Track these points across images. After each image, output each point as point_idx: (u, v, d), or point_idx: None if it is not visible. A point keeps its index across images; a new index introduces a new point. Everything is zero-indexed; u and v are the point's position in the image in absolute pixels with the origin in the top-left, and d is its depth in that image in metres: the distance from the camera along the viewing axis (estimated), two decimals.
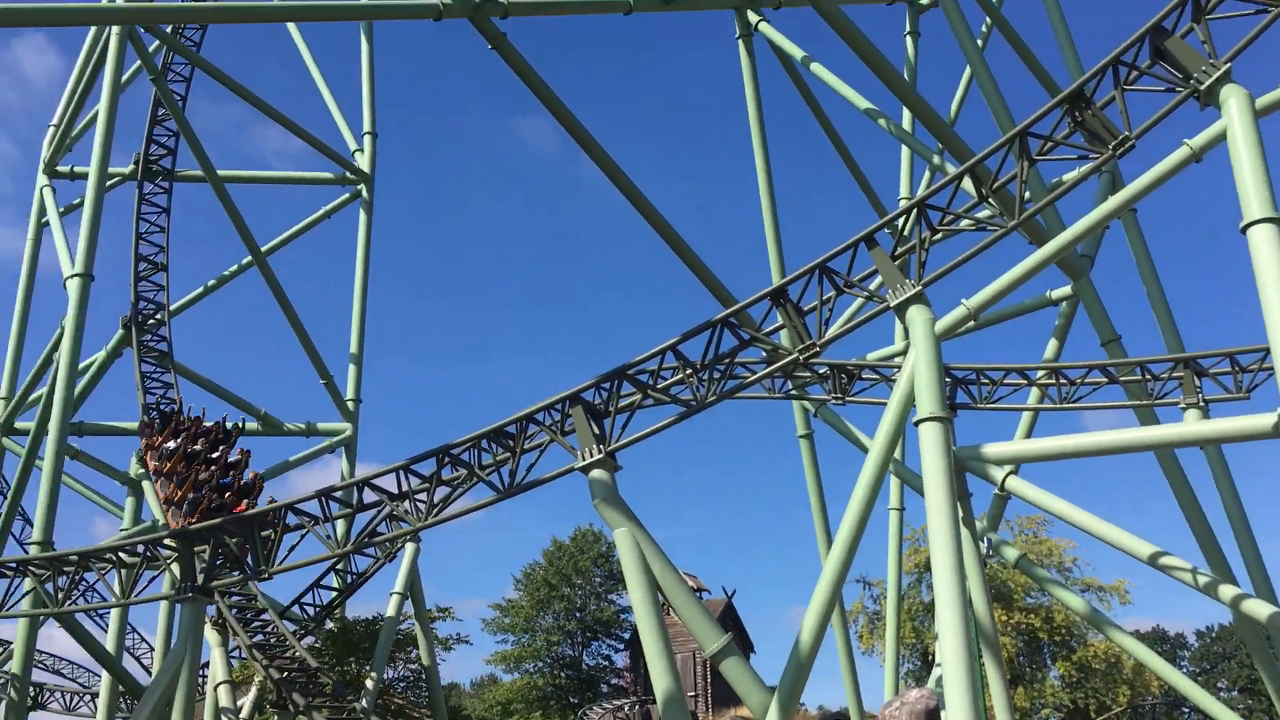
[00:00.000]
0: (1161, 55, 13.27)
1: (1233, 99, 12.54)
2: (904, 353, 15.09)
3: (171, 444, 21.21)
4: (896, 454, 21.94)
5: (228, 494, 19.79)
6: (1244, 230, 11.95)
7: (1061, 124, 13.86)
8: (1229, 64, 12.84)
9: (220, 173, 26.09)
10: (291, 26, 30.28)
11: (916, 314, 13.89)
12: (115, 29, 22.01)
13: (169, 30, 25.29)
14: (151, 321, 26.41)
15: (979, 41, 24.34)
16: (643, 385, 15.68)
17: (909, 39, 27.61)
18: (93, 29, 24.03)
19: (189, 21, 27.33)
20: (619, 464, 15.08)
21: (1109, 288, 21.38)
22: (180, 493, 19.99)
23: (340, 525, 18.38)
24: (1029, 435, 21.34)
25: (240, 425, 22.56)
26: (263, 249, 27.28)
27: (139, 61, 24.13)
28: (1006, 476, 16.34)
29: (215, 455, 20.67)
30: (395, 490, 16.07)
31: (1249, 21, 13.12)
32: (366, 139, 29.85)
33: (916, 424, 13.43)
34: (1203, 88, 12.82)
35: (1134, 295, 21.50)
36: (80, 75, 25.07)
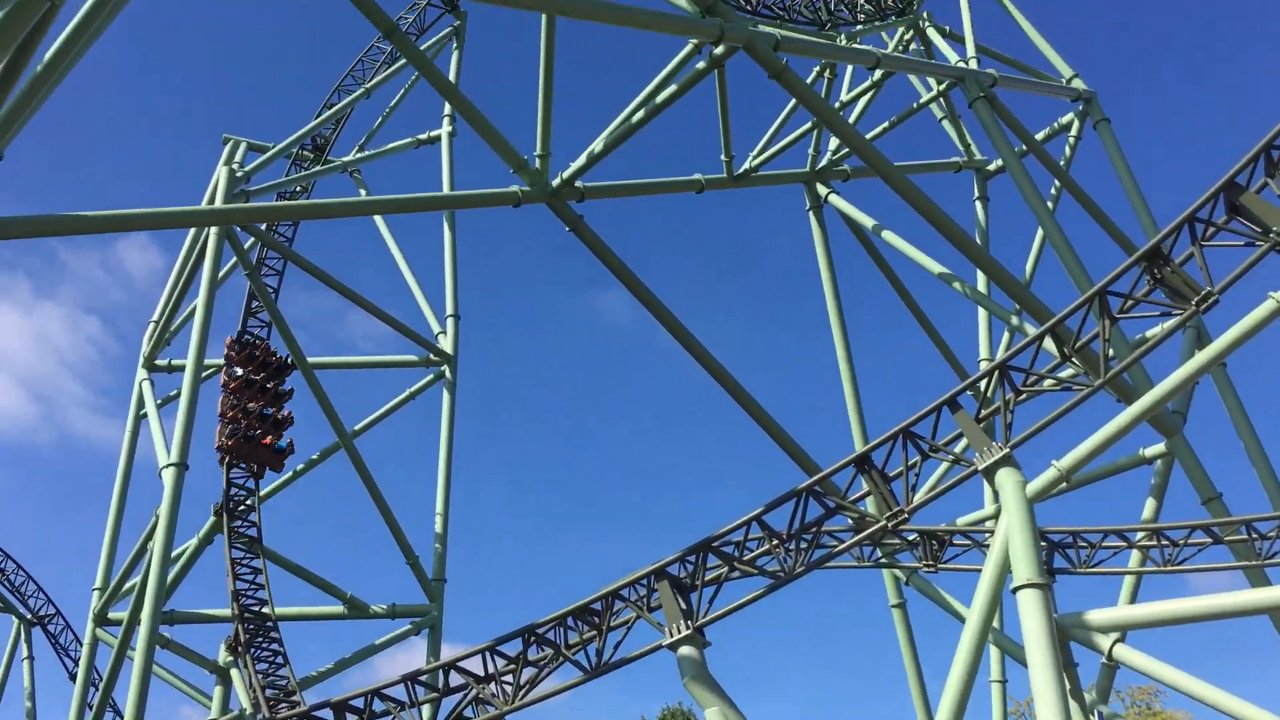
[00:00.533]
0: (1238, 210, 13.26)
1: None
2: (995, 517, 14.74)
3: (240, 370, 26.36)
4: (995, 623, 21.15)
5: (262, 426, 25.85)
6: None
7: (1141, 281, 13.81)
8: None
9: (310, 360, 26.95)
10: (378, 218, 31.72)
11: (1006, 477, 13.61)
12: (214, 229, 23.24)
13: (264, 228, 26.62)
14: (242, 508, 26.90)
15: (1049, 203, 24.53)
16: (729, 558, 15.44)
17: (978, 204, 27.94)
18: (192, 230, 25.41)
19: (282, 219, 28.83)
20: (708, 640, 14.71)
21: (1205, 443, 20.80)
22: (232, 413, 25.91)
23: (426, 710, 18.09)
24: (1133, 600, 20.49)
25: (289, 361, 26.72)
26: (349, 432, 27.89)
27: (235, 258, 25.33)
28: (1114, 644, 15.56)
29: (270, 385, 26.37)
30: (481, 672, 15.82)
31: None
32: (449, 321, 30.69)
33: (1014, 591, 12.98)
34: None
35: (1233, 450, 20.88)
36: (180, 273, 26.37)
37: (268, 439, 26.01)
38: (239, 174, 24.62)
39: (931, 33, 26.68)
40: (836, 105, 24.89)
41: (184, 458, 21.50)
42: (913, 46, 26.93)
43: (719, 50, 17.81)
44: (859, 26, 25.77)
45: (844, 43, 24.64)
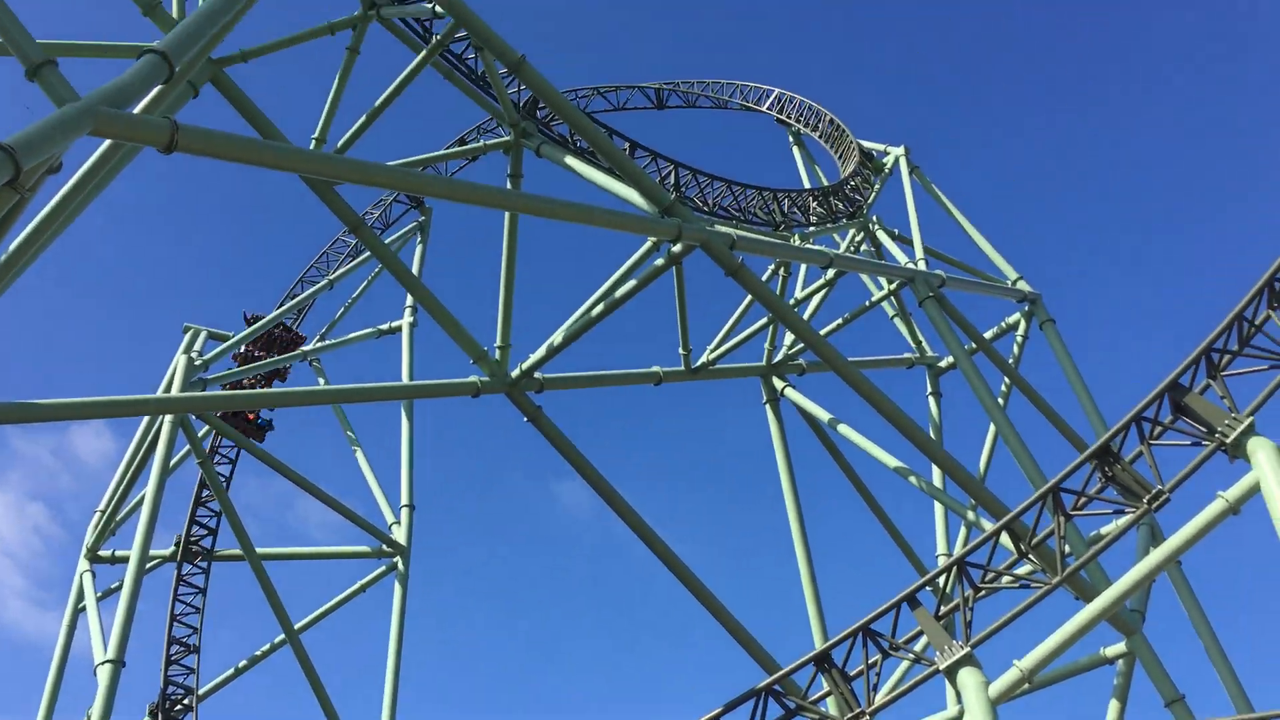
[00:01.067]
0: (1183, 410, 13.58)
1: (1261, 452, 12.67)
2: (959, 718, 14.41)
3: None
4: None
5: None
6: None
7: (1093, 478, 13.98)
8: (1251, 418, 13.08)
9: (259, 550, 26.35)
10: (335, 409, 31.67)
11: (968, 677, 13.38)
12: (168, 417, 23.06)
13: (219, 416, 26.48)
14: (179, 708, 25.78)
15: (1000, 400, 25.01)
16: None
17: (931, 399, 28.41)
18: (145, 417, 25.20)
19: (238, 408, 28.69)
20: None
21: (1167, 642, 20.59)
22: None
23: None
24: None
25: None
26: (296, 626, 27.05)
27: (188, 446, 25.05)
28: None
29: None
30: None
31: (1269, 375, 13.51)
32: (404, 511, 30.29)
33: None
34: (1229, 441, 13.01)
35: (1195, 648, 20.70)
36: (130, 461, 25.97)
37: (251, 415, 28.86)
38: (197, 362, 24.62)
39: (881, 235, 27.74)
40: (791, 302, 25.54)
41: (121, 654, 20.65)
42: (864, 247, 27.92)
43: (677, 248, 18.33)
44: (812, 228, 26.75)
45: (798, 243, 25.49)
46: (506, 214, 20.01)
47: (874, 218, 28.29)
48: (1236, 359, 13.74)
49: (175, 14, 17.19)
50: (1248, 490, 12.70)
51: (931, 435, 26.14)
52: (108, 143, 13.18)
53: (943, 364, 28.46)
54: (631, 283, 19.29)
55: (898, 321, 28.72)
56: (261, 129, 17.50)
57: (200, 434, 24.98)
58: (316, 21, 20.18)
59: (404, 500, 30.52)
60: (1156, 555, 13.74)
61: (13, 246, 12.21)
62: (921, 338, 28.72)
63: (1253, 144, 64.92)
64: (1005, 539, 14.64)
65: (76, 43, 16.77)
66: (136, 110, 11.06)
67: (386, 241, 30.56)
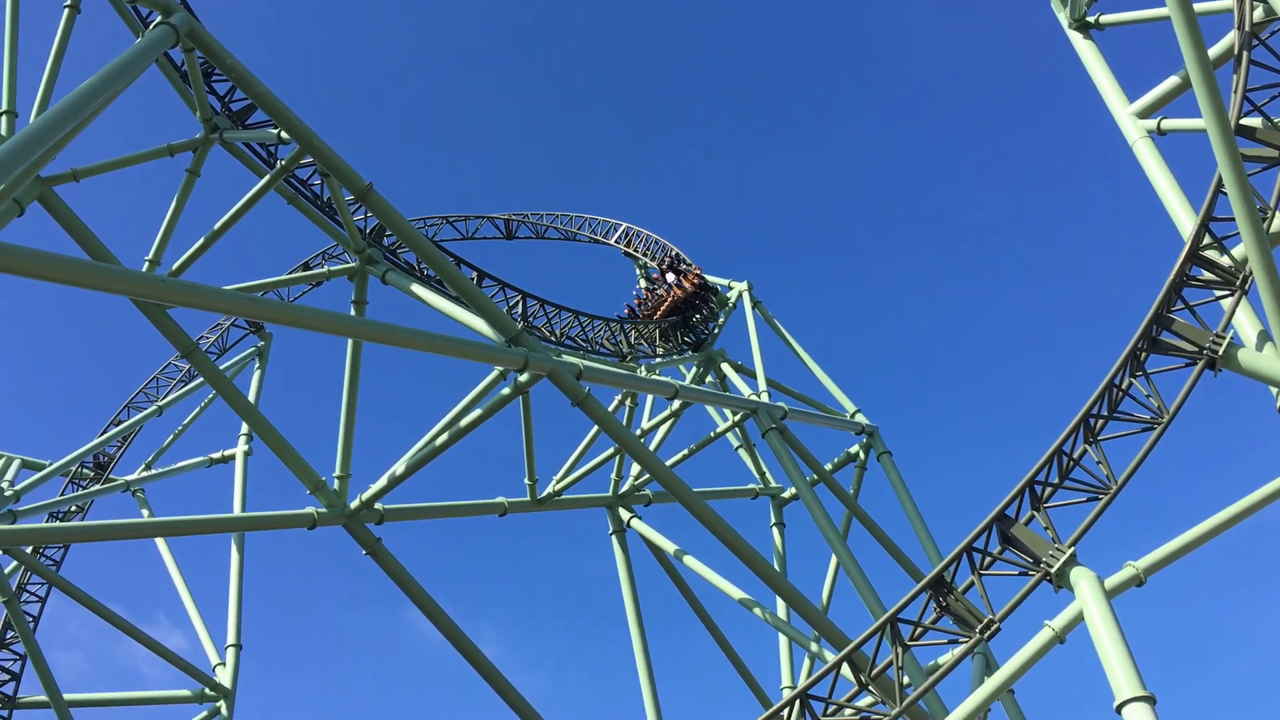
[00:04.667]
0: (1010, 541, 14.05)
1: (1083, 581, 13.15)
2: None
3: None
4: None
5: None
6: (1118, 709, 12.06)
7: (929, 608, 14.25)
8: (1073, 548, 13.61)
9: (67, 697, 24.46)
10: (159, 542, 30.06)
11: None
12: None
13: (29, 551, 24.78)
14: None
15: (840, 530, 25.47)
16: None
17: (775, 530, 28.75)
18: None
19: (50, 542, 26.94)
20: None
21: None
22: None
23: None
24: None
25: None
26: None
27: None
28: None
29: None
30: None
31: (1087, 507, 14.13)
32: (230, 651, 28.72)
33: None
34: (1053, 571, 13.48)
35: None
36: None
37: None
38: (8, 493, 23.11)
39: (726, 367, 28.34)
40: (638, 432, 25.67)
41: None
42: (709, 379, 28.44)
43: (524, 377, 18.29)
44: (658, 360, 27.14)
45: (644, 374, 25.79)
46: (350, 341, 19.68)
47: (719, 350, 28.92)
48: (1058, 490, 14.35)
49: (3, 130, 16.63)
50: (1073, 618, 13.13)
51: (775, 566, 26.38)
52: None
53: (786, 494, 28.91)
54: (477, 411, 19.09)
55: (742, 453, 29.16)
56: (91, 249, 16.89)
57: (8, 570, 23.28)
58: (156, 142, 19.81)
59: (230, 639, 28.95)
60: (990, 684, 13.98)
61: None
62: (765, 468, 29.19)
63: (1063, 285, 69.42)
64: (846, 670, 14.72)
65: None
66: None
67: (223, 367, 29.64)
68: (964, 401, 70.31)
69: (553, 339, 25.52)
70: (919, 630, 14.16)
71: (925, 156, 72.43)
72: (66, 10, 17.86)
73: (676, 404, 25.29)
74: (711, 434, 27.33)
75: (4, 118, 17.11)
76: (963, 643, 13.94)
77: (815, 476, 25.69)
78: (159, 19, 15.12)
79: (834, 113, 75.85)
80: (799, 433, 24.82)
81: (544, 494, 23.34)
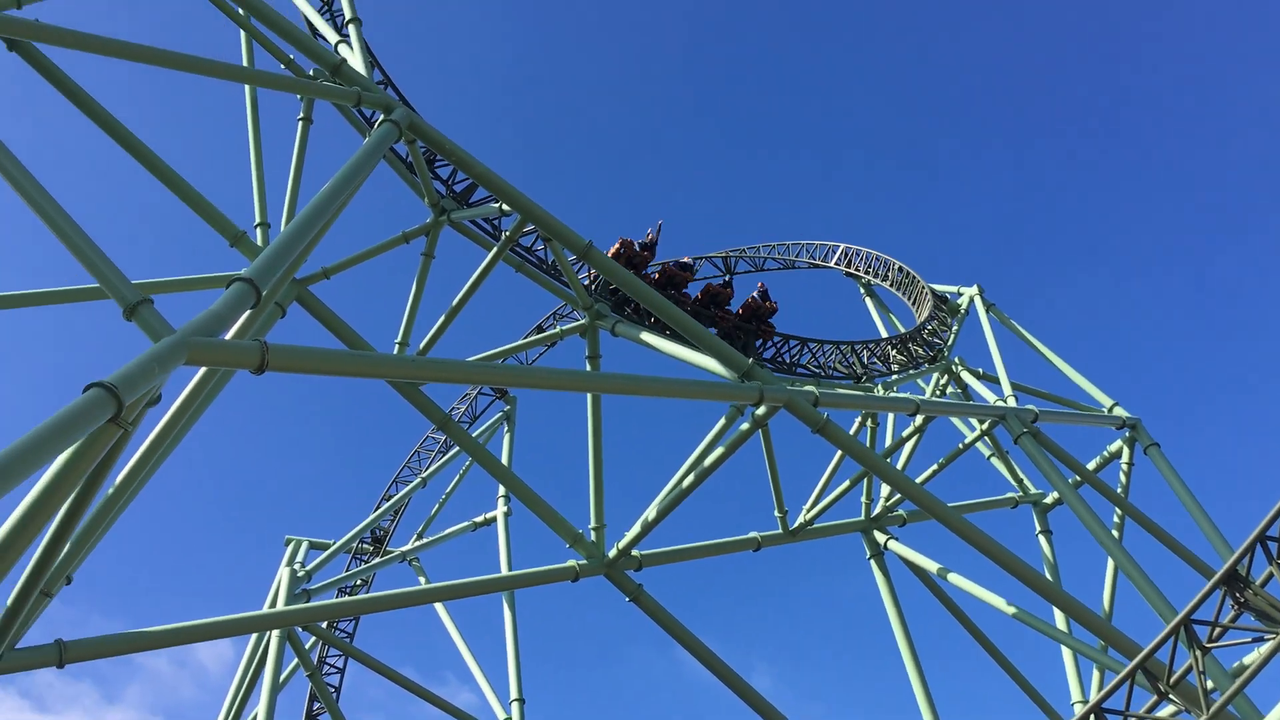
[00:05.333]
0: None
1: None
2: None
3: None
4: None
5: None
6: None
7: (1226, 605, 13.25)
8: None
9: None
10: (438, 606, 31.59)
11: None
12: (275, 632, 23.20)
13: (325, 626, 26.59)
14: None
15: (1114, 532, 24.08)
16: None
17: (1042, 538, 27.44)
18: (253, 635, 25.39)
19: (343, 616, 28.80)
20: None
21: None
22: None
23: None
24: None
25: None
26: None
27: (296, 659, 25.10)
28: None
29: None
30: None
31: None
32: (514, 706, 29.76)
33: None
34: None
35: None
36: (243, 677, 26.05)
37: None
38: (300, 573, 24.92)
39: (966, 376, 27.40)
40: (882, 453, 25.16)
41: None
42: (950, 390, 27.58)
43: (761, 411, 18.29)
44: (894, 376, 26.56)
45: (882, 393, 25.30)
46: (589, 395, 20.27)
47: (956, 359, 28.03)
48: None
49: (260, 242, 18.15)
50: None
51: (1048, 576, 25.16)
52: (203, 370, 13.76)
53: (1048, 500, 27.58)
54: (719, 450, 19.21)
55: (995, 461, 28.07)
56: (347, 339, 18.15)
57: (308, 645, 25.05)
58: (390, 230, 21.17)
59: (513, 694, 30.03)
60: None
61: (119, 479, 12.66)
62: (1022, 475, 27.97)
63: None
64: (1142, 679, 13.86)
65: (169, 279, 17.73)
66: (228, 336, 11.56)
67: (475, 434, 31.06)
68: (1231, 384, 65.33)
69: (785, 368, 25.43)
70: (1218, 630, 13.17)
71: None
72: (300, 123, 19.42)
73: (919, 419, 24.67)
74: (960, 445, 26.46)
75: (259, 230, 18.71)
76: (1270, 639, 12.88)
77: (1078, 478, 24.40)
78: (382, 118, 16.19)
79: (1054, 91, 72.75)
80: (1054, 434, 23.65)
81: (796, 524, 23.19)
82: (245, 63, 20.15)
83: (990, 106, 73.27)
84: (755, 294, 27.60)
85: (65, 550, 9.79)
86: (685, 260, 28.16)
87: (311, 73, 19.10)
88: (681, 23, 74.15)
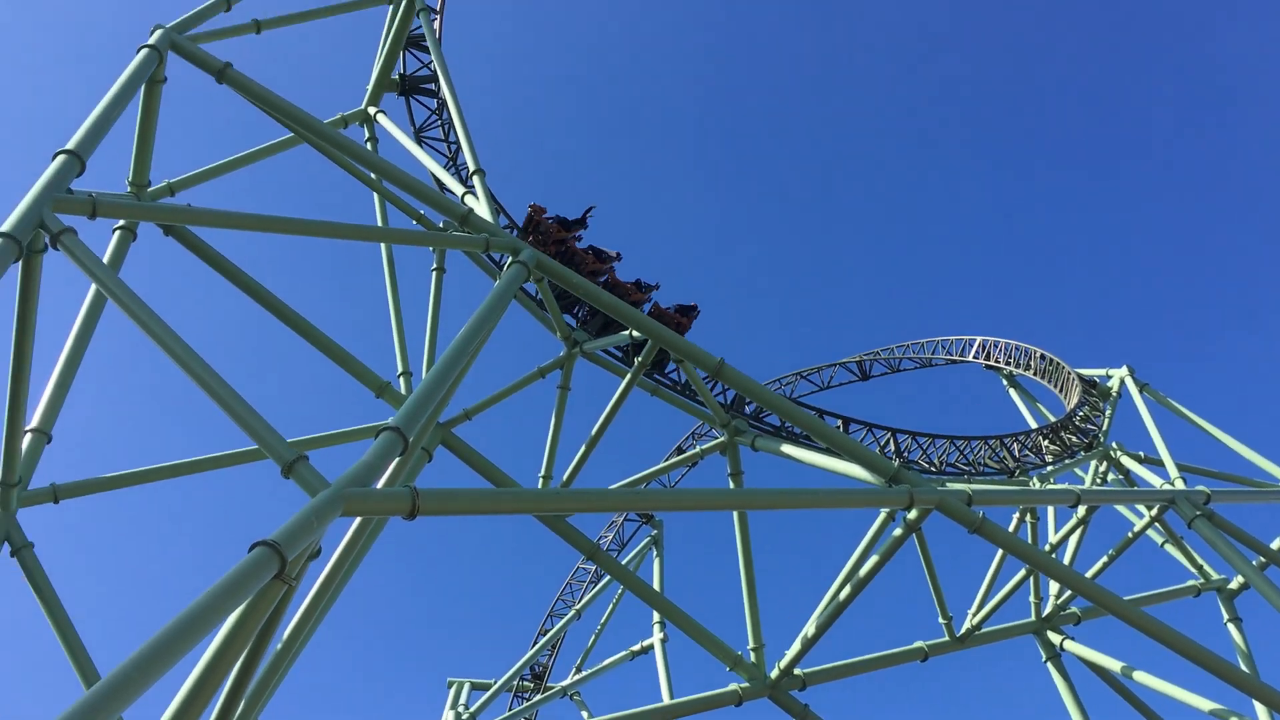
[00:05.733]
0: None
1: None
2: None
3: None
4: None
5: None
6: None
7: None
8: None
9: None
10: None
11: None
12: None
13: None
14: None
15: None
16: None
17: (1231, 626, 25.69)
18: None
19: None
20: None
21: None
22: None
23: None
24: None
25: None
26: None
27: None
28: None
29: None
30: None
31: None
32: None
33: None
34: None
35: None
36: None
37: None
38: (464, 715, 24.98)
39: (1126, 460, 26.27)
40: (1046, 548, 24.12)
41: None
42: (1111, 477, 26.44)
43: (912, 515, 17.79)
44: (1049, 467, 25.64)
45: (1037, 485, 24.40)
46: (736, 513, 20.07)
47: (1113, 444, 26.93)
48: None
49: (403, 390, 18.77)
50: None
51: (1243, 667, 23.50)
52: (358, 520, 14.15)
53: (1233, 585, 25.91)
54: (874, 558, 18.67)
55: (1170, 548, 26.59)
56: (492, 477, 18.46)
57: None
58: (525, 365, 21.70)
59: None
60: None
61: (285, 634, 12.99)
62: (1201, 561, 26.41)
63: None
64: None
65: (321, 435, 18.43)
66: (379, 485, 11.90)
67: (624, 561, 30.99)
68: None
69: (933, 469, 24.81)
70: None
71: None
72: (434, 273, 20.24)
73: (1082, 510, 23.65)
74: (1129, 534, 25.19)
75: (402, 379, 19.36)
76: None
77: (1262, 559, 22.92)
78: (510, 259, 16.74)
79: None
80: (1231, 514, 22.36)
81: (963, 630, 22.25)
82: (379, 223, 21.18)
83: (1103, 171, 71.74)
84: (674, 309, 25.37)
85: (239, 710, 10.02)
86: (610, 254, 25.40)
87: (442, 224, 19.96)
88: (793, 126, 75.18)
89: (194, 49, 14.62)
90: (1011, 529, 24.59)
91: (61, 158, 11.47)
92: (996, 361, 32.70)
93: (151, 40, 14.22)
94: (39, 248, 10.89)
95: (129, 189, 14.80)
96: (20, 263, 10.53)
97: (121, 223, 14.69)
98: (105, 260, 14.37)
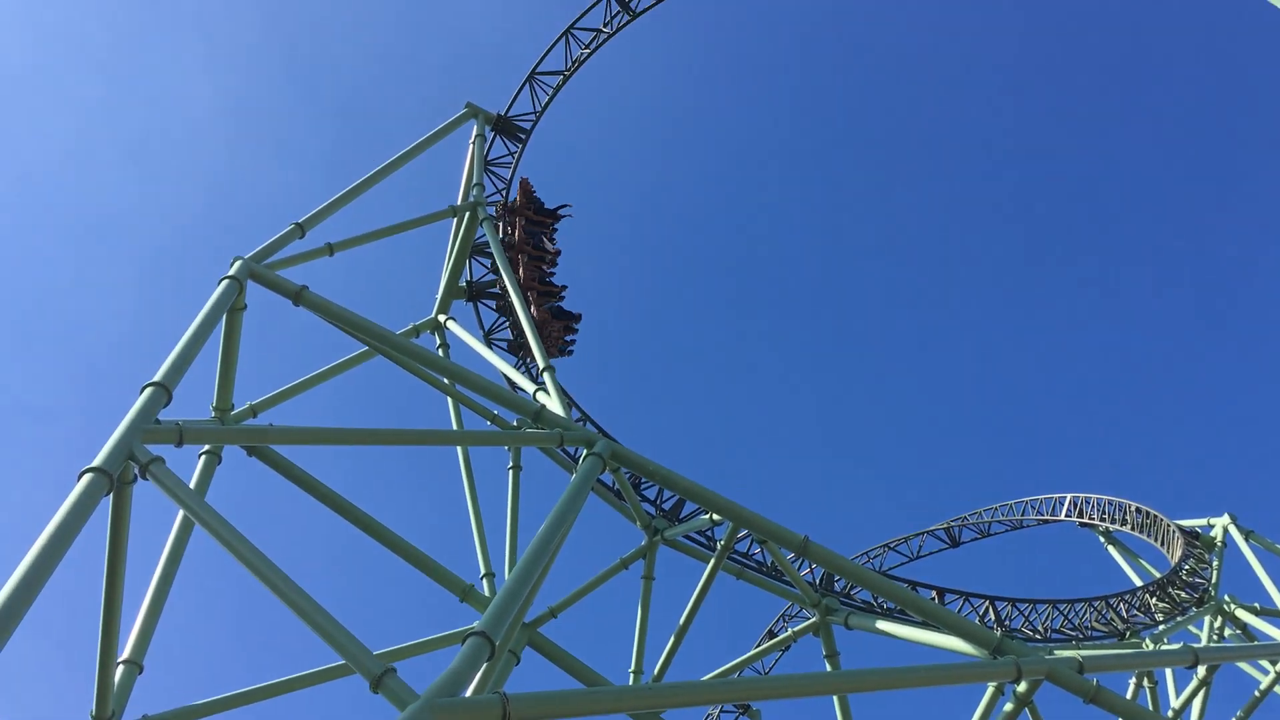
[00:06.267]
0: None
1: None
2: None
3: None
4: None
5: None
6: None
7: None
8: None
9: None
10: None
11: None
12: None
13: None
14: None
15: None
16: None
17: None
18: None
19: None
20: None
21: None
22: None
23: None
24: None
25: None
26: None
27: None
28: None
29: None
30: None
31: None
32: None
33: None
34: None
35: None
36: None
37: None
38: None
39: (1243, 613, 24.99)
40: (1170, 714, 22.75)
41: None
42: (1228, 632, 25.10)
43: (1022, 687, 16.88)
44: (1160, 627, 24.45)
45: (1151, 646, 23.22)
46: (835, 697, 19.29)
47: (1226, 597, 25.67)
48: None
49: (487, 592, 18.63)
50: None
51: None
52: None
53: None
54: None
55: None
56: (582, 676, 18.00)
57: None
58: (608, 556, 21.50)
59: None
60: None
61: None
62: None
63: None
64: None
65: (408, 644, 18.24)
66: (468, 693, 11.65)
67: None
68: None
69: (1038, 636, 23.77)
70: None
71: None
72: (511, 471, 20.37)
73: (1202, 670, 22.39)
74: (1256, 693, 23.71)
75: (485, 580, 19.25)
76: None
77: None
78: (585, 453, 16.79)
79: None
80: None
81: None
82: (454, 426, 21.50)
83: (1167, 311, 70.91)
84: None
85: None
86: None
87: (515, 423, 20.19)
88: (859, 288, 75.82)
89: (272, 276, 15.27)
90: (1129, 695, 23.29)
91: (149, 390, 11.90)
92: (1091, 518, 31.70)
93: (232, 271, 14.91)
94: (129, 479, 11.17)
95: (213, 413, 15.25)
96: (111, 495, 10.78)
97: (207, 447, 15.08)
98: (192, 485, 14.70)
